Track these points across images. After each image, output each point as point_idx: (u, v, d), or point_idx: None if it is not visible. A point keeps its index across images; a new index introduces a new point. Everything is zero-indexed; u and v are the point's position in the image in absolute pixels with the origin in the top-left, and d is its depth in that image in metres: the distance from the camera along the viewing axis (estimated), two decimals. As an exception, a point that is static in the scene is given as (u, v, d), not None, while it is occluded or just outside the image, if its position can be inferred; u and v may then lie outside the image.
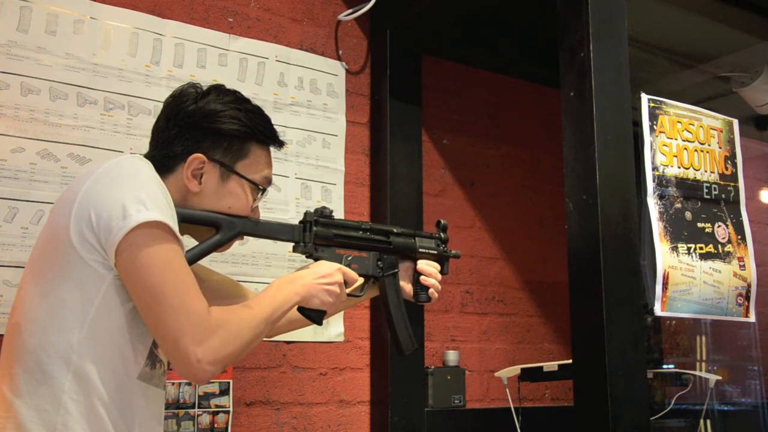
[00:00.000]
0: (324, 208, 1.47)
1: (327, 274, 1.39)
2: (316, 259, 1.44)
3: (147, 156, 1.35)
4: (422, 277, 1.57)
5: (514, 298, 2.71)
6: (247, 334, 1.24)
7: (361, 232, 1.50)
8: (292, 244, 1.44)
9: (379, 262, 1.52)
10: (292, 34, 2.30)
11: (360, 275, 1.48)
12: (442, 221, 1.64)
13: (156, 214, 1.17)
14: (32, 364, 1.19)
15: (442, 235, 1.63)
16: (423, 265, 1.58)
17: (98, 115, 1.90)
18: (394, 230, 1.55)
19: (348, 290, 1.45)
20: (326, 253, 1.46)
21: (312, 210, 1.45)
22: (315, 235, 1.44)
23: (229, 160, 1.36)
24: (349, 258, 1.48)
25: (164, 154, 1.35)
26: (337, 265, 1.42)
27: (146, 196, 1.19)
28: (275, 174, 2.14)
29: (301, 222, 1.44)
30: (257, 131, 1.38)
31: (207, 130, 1.35)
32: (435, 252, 1.60)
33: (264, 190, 1.41)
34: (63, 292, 1.20)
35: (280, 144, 1.45)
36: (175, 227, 1.21)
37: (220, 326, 1.20)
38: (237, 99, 1.41)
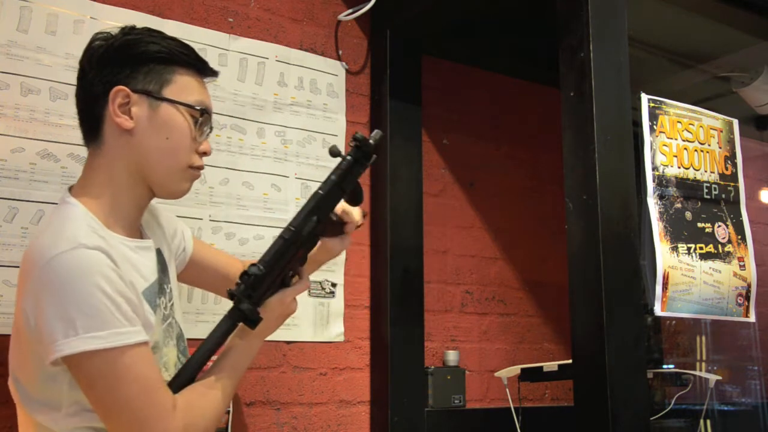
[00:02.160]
0: (246, 277, 1.27)
1: (283, 317, 1.35)
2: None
3: (84, 138, 1.31)
4: (346, 227, 1.46)
5: (514, 298, 2.71)
6: (217, 413, 1.24)
7: (292, 249, 1.32)
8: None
9: (317, 239, 1.39)
10: (292, 34, 2.30)
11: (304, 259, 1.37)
12: (357, 134, 1.38)
13: (79, 342, 1.10)
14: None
15: (355, 143, 1.37)
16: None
17: (98, 115, 1.90)
18: (320, 194, 1.36)
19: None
20: (267, 293, 1.32)
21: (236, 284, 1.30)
22: (255, 303, 1.30)
23: (155, 88, 1.28)
24: (290, 273, 1.35)
25: (89, 117, 1.29)
26: (287, 302, 1.33)
27: (80, 315, 1.11)
28: (275, 174, 2.17)
29: (234, 303, 1.30)
30: (177, 54, 1.30)
31: (123, 60, 1.28)
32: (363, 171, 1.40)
33: (204, 115, 1.32)
34: (35, 369, 1.20)
35: (207, 70, 1.36)
36: (125, 337, 1.13)
37: (191, 425, 1.18)
38: (149, 30, 1.34)
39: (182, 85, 1.30)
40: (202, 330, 1.77)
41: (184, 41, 1.36)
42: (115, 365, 1.13)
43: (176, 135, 1.29)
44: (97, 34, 1.32)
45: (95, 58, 1.29)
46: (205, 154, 1.35)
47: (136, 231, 1.36)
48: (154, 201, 1.40)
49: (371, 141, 1.37)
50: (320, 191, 1.35)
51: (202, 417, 1.21)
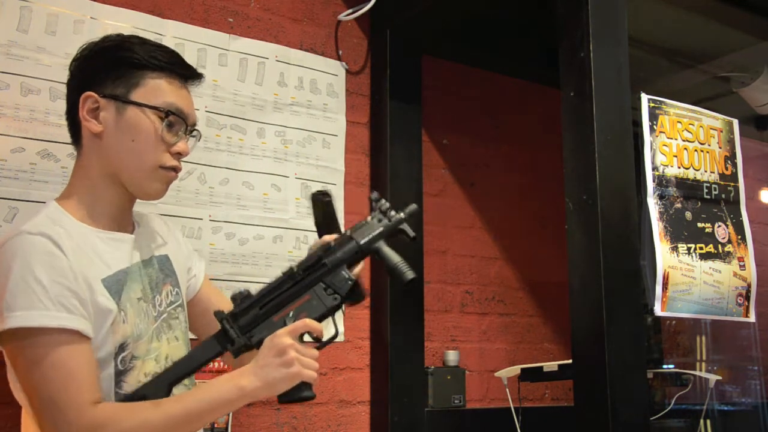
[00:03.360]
0: (239, 293, 1.32)
1: (273, 352, 1.23)
2: (258, 346, 1.28)
3: (72, 143, 1.36)
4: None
5: (514, 298, 2.71)
6: None
7: (289, 282, 1.32)
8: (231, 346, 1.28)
9: (327, 290, 1.33)
10: (292, 34, 2.30)
11: (317, 318, 1.32)
12: (372, 193, 1.40)
13: (9, 320, 1.15)
14: None
15: (382, 205, 1.38)
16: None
17: (98, 115, 1.90)
18: (330, 245, 1.36)
19: (323, 340, 1.32)
20: (264, 332, 1.28)
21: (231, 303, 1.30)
22: (240, 328, 1.28)
23: (122, 92, 1.31)
24: (290, 315, 1.30)
25: (70, 122, 1.35)
26: (278, 334, 1.25)
27: (10, 296, 1.16)
28: (275, 174, 2.17)
29: (221, 326, 1.30)
30: (147, 58, 1.32)
31: (95, 67, 1.32)
32: (381, 229, 1.36)
33: (170, 115, 1.32)
34: None
35: (186, 73, 1.36)
36: (44, 318, 1.15)
37: (102, 425, 1.15)
38: (127, 37, 1.36)
39: (150, 88, 1.32)
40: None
41: (166, 46, 1.39)
42: (35, 346, 1.15)
43: (141, 136, 1.31)
44: (83, 44, 1.37)
45: (74, 66, 1.35)
46: (179, 154, 1.36)
47: (124, 226, 1.39)
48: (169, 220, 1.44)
49: (403, 214, 1.37)
50: (332, 242, 1.36)
51: (126, 428, 1.16)
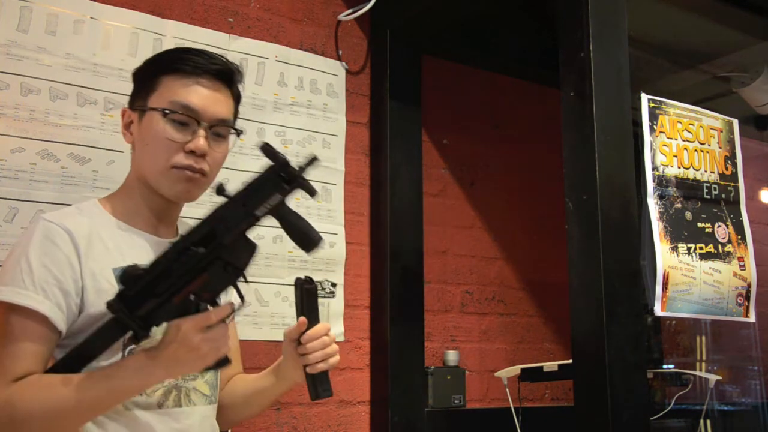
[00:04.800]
0: (128, 273, 1.17)
1: (183, 348, 1.15)
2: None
3: None
4: (308, 368, 1.36)
5: (514, 298, 2.71)
6: (48, 413, 1.15)
7: (180, 258, 1.19)
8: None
9: (226, 267, 1.21)
10: (292, 34, 2.30)
11: (215, 300, 1.21)
12: (263, 144, 1.22)
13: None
14: None
15: (277, 157, 1.21)
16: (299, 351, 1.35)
17: (98, 115, 1.90)
18: (222, 213, 1.23)
19: (234, 317, 1.22)
20: (162, 316, 1.16)
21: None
22: (139, 318, 1.16)
23: (141, 101, 1.37)
24: (192, 298, 1.18)
25: None
26: (184, 330, 1.15)
27: (3, 272, 1.25)
28: (275, 174, 2.17)
29: (113, 315, 1.17)
30: (160, 62, 1.39)
31: (133, 84, 1.43)
32: (277, 190, 1.21)
33: (171, 113, 1.32)
34: None
35: (197, 68, 1.35)
36: (20, 296, 1.20)
37: (12, 404, 1.15)
38: (174, 48, 1.50)
39: (162, 91, 1.36)
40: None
41: (203, 50, 1.42)
42: (3, 320, 1.21)
43: (152, 139, 1.35)
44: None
45: None
46: (192, 152, 1.34)
47: (161, 231, 1.42)
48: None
49: (300, 168, 1.21)
50: (224, 209, 1.22)
51: (28, 409, 1.15)
